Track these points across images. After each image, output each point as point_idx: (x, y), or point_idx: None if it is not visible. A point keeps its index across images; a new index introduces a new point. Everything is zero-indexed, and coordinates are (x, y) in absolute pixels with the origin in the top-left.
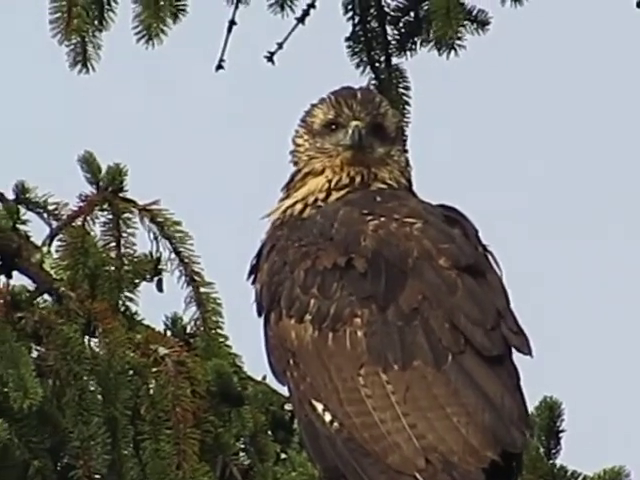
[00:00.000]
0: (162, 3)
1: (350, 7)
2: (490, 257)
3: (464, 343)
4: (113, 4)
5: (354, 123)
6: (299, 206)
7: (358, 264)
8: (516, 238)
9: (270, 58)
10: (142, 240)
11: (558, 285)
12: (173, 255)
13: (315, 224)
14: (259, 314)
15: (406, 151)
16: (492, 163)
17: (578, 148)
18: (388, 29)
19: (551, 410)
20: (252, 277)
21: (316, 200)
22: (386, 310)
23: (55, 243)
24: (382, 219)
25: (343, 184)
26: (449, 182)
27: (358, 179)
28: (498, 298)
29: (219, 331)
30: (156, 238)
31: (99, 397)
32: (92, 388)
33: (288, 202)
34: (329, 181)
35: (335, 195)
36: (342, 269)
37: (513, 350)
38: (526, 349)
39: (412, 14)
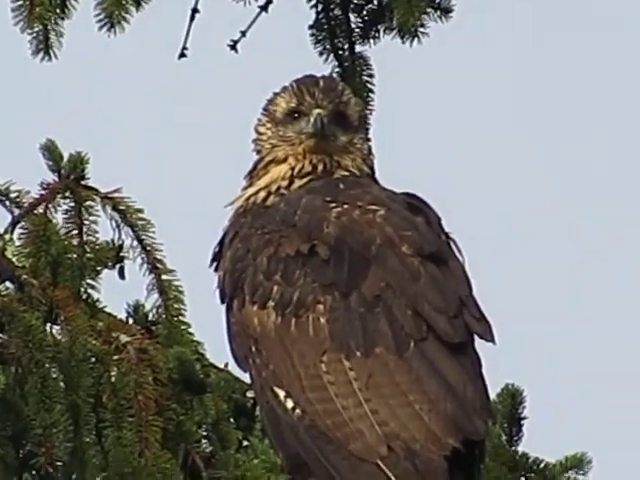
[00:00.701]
0: None
1: None
2: (452, 245)
3: (426, 330)
4: None
5: (316, 111)
6: (262, 194)
7: (321, 251)
8: (476, 225)
9: (233, 46)
10: (104, 228)
11: (519, 271)
12: (135, 243)
13: (278, 212)
14: (222, 301)
15: (369, 139)
16: (455, 150)
17: (545, 132)
18: (351, 17)
19: (513, 397)
20: (215, 264)
21: (279, 188)
22: (349, 297)
23: (17, 231)
24: (345, 206)
25: (306, 172)
26: (412, 170)
27: (321, 167)
28: (461, 285)
29: (181, 318)
30: (118, 226)
31: (61, 384)
32: (54, 376)
33: (251, 190)
34: (292, 169)
35: (298, 183)
36: (305, 256)
37: (476, 337)
38: (489, 336)
39: (375, 2)
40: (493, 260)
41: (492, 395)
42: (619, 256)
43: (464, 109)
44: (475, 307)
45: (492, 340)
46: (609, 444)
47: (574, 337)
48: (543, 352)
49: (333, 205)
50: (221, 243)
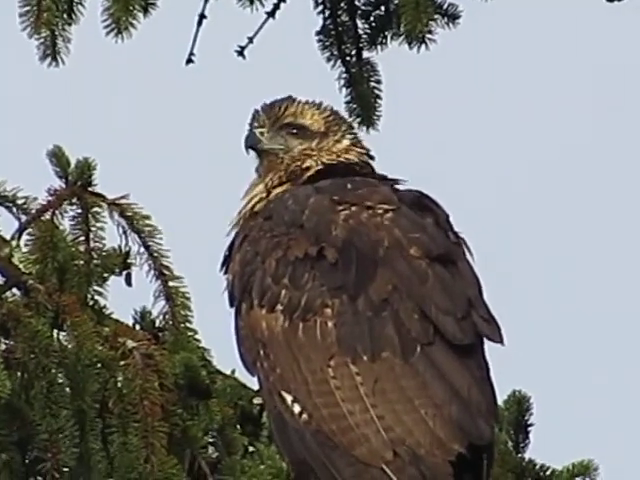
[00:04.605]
0: None
1: (320, 1)
2: (462, 244)
3: (433, 334)
4: None
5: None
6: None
7: (329, 254)
8: (484, 226)
9: (241, 52)
10: (111, 234)
11: (532, 275)
12: (142, 249)
13: (286, 210)
14: (231, 304)
15: (354, 138)
16: (462, 154)
17: (547, 140)
18: (359, 23)
19: (519, 404)
20: (224, 268)
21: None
22: (356, 300)
23: (24, 237)
24: (353, 208)
25: (280, 183)
26: (419, 174)
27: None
28: (469, 287)
29: (188, 325)
30: (125, 232)
31: (67, 390)
32: (60, 381)
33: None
34: (266, 186)
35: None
36: (313, 259)
37: (485, 339)
38: (497, 337)
39: (382, 8)
40: (503, 260)
41: (499, 402)
42: (635, 264)
43: (470, 114)
44: (484, 308)
45: (501, 341)
46: (616, 451)
47: (582, 342)
48: (551, 357)
49: (341, 207)
50: (231, 247)
